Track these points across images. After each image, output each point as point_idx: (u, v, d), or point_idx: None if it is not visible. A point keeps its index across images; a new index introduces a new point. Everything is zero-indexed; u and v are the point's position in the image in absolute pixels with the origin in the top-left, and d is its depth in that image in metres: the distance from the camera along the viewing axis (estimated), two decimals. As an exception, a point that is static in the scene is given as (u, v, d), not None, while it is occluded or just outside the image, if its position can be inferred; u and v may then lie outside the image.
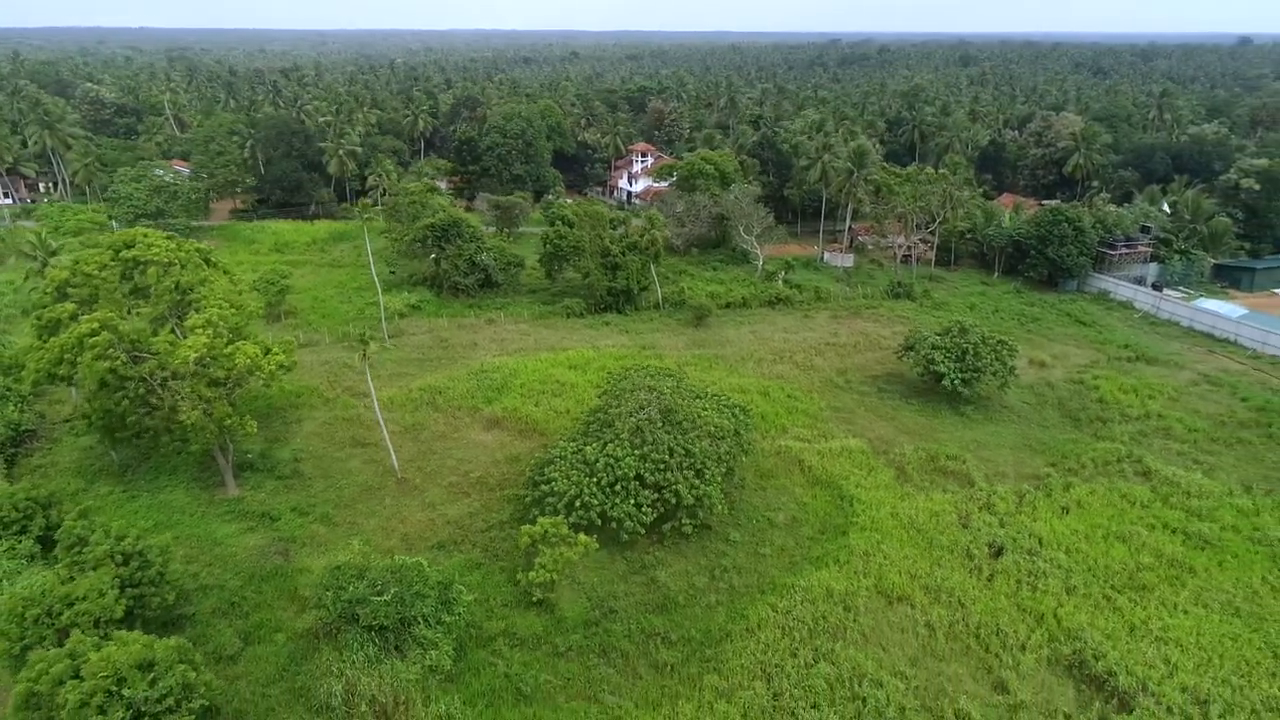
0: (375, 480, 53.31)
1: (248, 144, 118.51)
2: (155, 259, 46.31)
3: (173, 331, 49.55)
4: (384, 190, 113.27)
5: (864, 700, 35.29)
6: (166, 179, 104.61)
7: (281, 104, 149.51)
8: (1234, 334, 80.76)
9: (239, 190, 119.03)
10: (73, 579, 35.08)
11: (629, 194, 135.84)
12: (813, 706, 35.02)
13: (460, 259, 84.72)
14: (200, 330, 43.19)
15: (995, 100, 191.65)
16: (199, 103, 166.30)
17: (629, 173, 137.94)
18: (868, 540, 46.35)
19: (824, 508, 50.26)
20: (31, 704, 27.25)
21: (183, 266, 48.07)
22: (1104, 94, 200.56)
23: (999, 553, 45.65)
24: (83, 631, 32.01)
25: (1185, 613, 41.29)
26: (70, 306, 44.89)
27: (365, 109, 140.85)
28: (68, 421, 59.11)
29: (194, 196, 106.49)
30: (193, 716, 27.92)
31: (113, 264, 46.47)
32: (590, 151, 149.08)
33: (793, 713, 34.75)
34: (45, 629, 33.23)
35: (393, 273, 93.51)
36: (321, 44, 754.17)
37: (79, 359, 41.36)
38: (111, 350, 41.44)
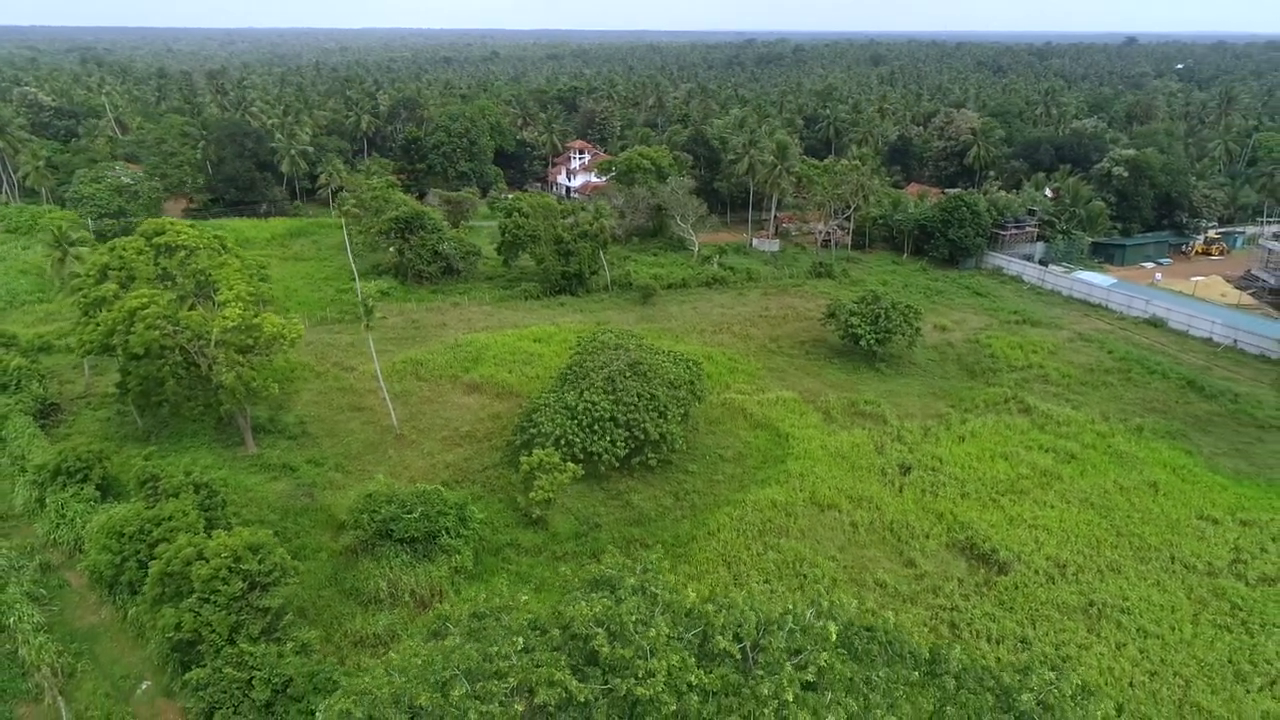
0: (376, 437, 60.81)
1: (200, 145, 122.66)
2: (184, 244, 52.97)
3: (192, 308, 56.15)
4: (338, 187, 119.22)
5: (804, 575, 44.79)
6: (125, 180, 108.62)
7: (227, 106, 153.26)
8: (1105, 300, 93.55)
9: (189, 190, 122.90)
10: (152, 506, 42.06)
11: (568, 189, 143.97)
12: (765, 581, 44.35)
13: (423, 249, 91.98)
14: (233, 303, 50.17)
15: (903, 98, 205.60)
16: (135, 105, 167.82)
17: (567, 169, 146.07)
18: (802, 466, 56.01)
19: (765, 444, 59.80)
20: (164, 581, 34.51)
21: (203, 251, 54.72)
22: (1000, 92, 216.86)
23: (907, 471, 55.83)
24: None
25: (1052, 507, 52.04)
26: (113, 286, 51.24)
27: (312, 110, 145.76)
28: (83, 397, 64.92)
29: (153, 196, 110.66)
30: (290, 587, 35.63)
31: (147, 249, 52.93)
32: (529, 149, 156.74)
33: (749, 587, 44.00)
34: (139, 544, 40.21)
35: (355, 259, 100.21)
36: (230, 43, 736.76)
37: (131, 330, 47.91)
38: (160, 321, 48.19)
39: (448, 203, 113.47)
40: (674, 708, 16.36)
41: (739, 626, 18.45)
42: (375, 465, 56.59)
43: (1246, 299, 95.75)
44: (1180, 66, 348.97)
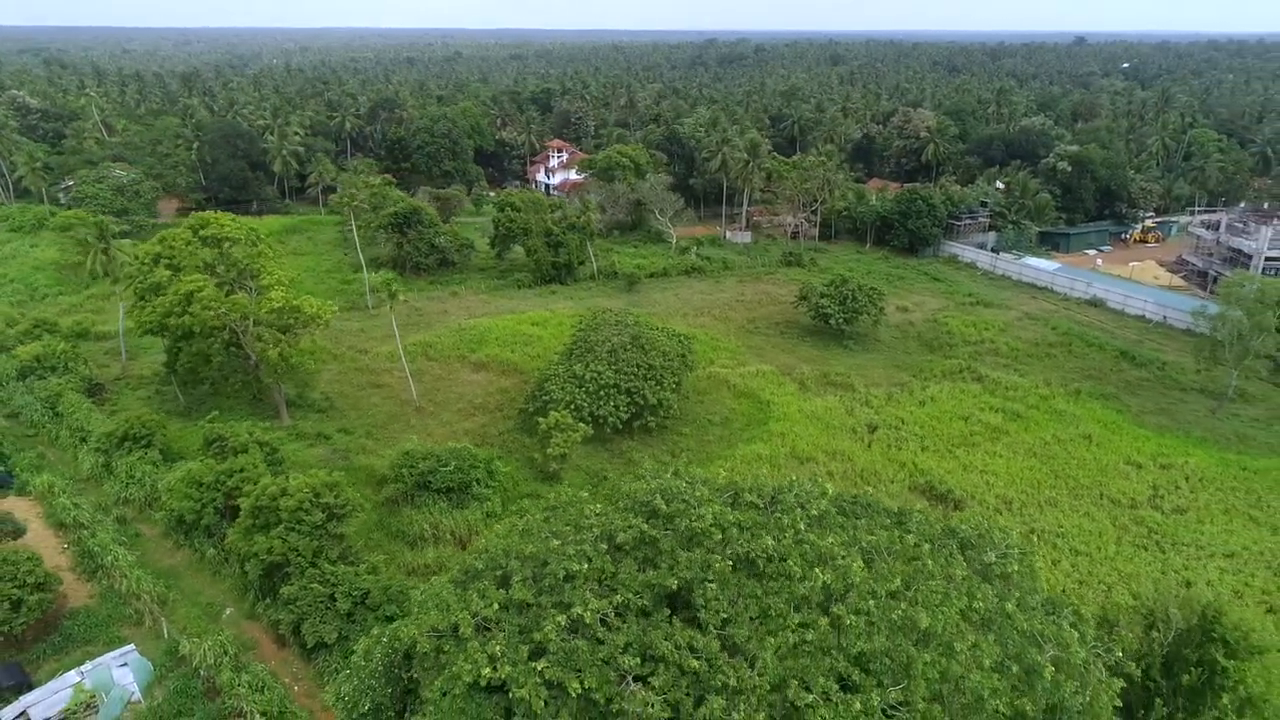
0: (397, 409, 67.01)
1: (194, 146, 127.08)
2: (228, 236, 58.80)
3: (229, 294, 61.86)
4: (327, 186, 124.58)
5: (789, 513, 52.00)
6: (125, 179, 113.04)
7: (216, 108, 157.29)
8: (1050, 283, 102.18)
9: (184, 189, 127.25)
10: (223, 462, 48.07)
11: (547, 186, 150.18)
12: (756, 519, 51.48)
13: (421, 242, 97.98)
14: (277, 287, 56.16)
15: (864, 98, 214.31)
16: (117, 107, 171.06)
17: (546, 167, 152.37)
18: (783, 426, 63.28)
19: (748, 410, 67.00)
20: (255, 513, 40.66)
21: (242, 242, 60.59)
22: (954, 91, 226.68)
23: (874, 429, 63.32)
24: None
25: (1000, 457, 59.80)
26: (166, 273, 56.87)
27: (297, 111, 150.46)
28: (119, 379, 70.31)
29: (153, 196, 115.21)
30: (360, 518, 41.97)
31: (194, 240, 58.65)
32: (508, 149, 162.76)
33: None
34: (216, 492, 46.25)
35: (346, 254, 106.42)
36: (185, 43, 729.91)
37: (188, 310, 53.70)
38: (214, 303, 54.07)
39: (437, 200, 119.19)
40: (720, 537, 23.17)
41: (760, 490, 25.38)
42: (401, 433, 62.75)
43: (1178, 281, 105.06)
44: (1126, 66, 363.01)
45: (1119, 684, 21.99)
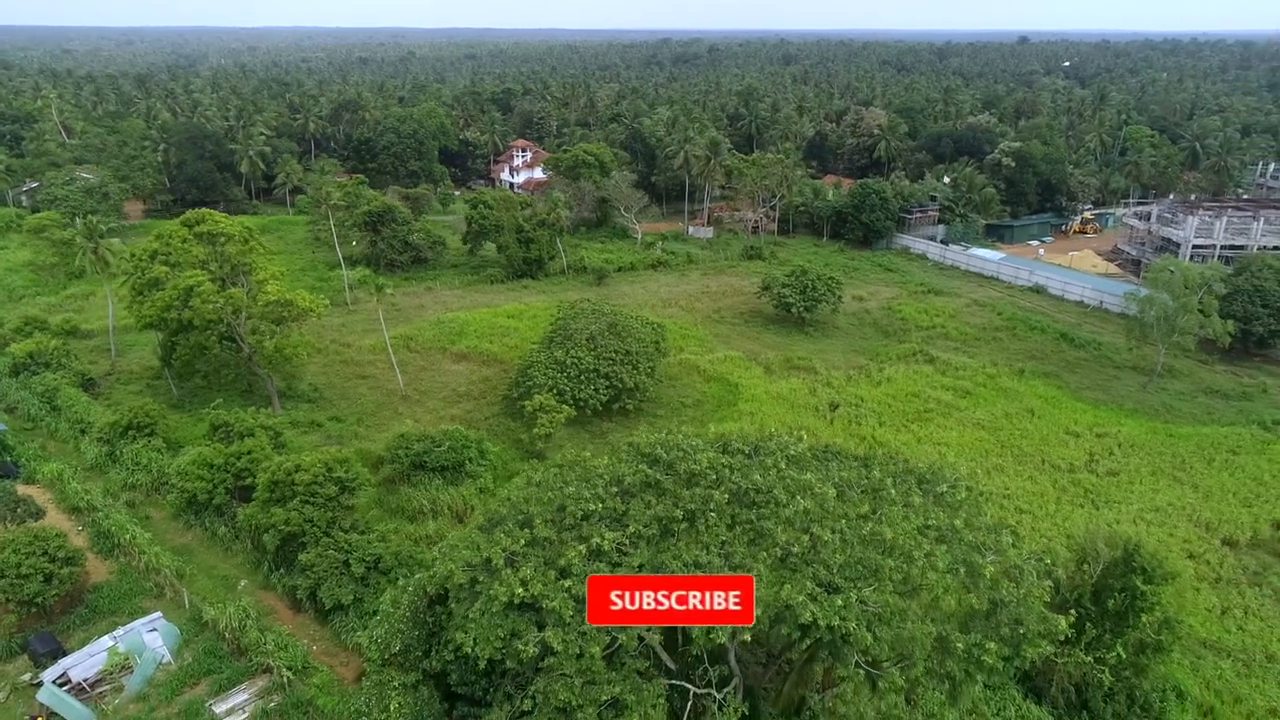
0: (384, 398, 70.06)
1: (160, 148, 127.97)
2: (223, 232, 61.43)
3: (222, 288, 64.42)
4: (294, 187, 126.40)
5: (761, 483, 56.31)
6: (94, 182, 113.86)
7: (179, 110, 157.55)
8: (996, 272, 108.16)
9: (150, 190, 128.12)
10: (230, 445, 50.94)
11: (511, 185, 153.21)
12: (730, 488, 55.68)
13: (395, 240, 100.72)
14: (271, 281, 58.99)
15: (817, 97, 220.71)
16: (75, 110, 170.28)
17: (510, 166, 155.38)
18: (751, 406, 67.63)
19: (718, 392, 71.26)
20: (271, 487, 43.76)
21: (235, 238, 63.24)
22: (904, 90, 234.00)
23: (835, 407, 67.96)
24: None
25: (952, 430, 64.78)
26: (164, 269, 59.34)
27: (262, 112, 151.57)
28: (109, 375, 72.31)
29: (122, 197, 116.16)
30: (369, 491, 45.26)
31: (190, 237, 61.16)
32: (471, 148, 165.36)
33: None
34: (226, 474, 49.15)
35: (316, 252, 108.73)
36: (127, 43, 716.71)
37: (188, 305, 56.33)
38: (213, 297, 56.77)
39: (406, 199, 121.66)
40: (715, 477, 27.19)
41: (745, 439, 29.48)
42: (390, 420, 65.89)
43: (1113, 269, 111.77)
44: (1066, 64, 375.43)
45: (1048, 584, 26.50)
